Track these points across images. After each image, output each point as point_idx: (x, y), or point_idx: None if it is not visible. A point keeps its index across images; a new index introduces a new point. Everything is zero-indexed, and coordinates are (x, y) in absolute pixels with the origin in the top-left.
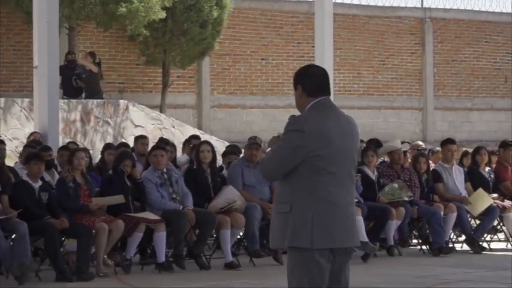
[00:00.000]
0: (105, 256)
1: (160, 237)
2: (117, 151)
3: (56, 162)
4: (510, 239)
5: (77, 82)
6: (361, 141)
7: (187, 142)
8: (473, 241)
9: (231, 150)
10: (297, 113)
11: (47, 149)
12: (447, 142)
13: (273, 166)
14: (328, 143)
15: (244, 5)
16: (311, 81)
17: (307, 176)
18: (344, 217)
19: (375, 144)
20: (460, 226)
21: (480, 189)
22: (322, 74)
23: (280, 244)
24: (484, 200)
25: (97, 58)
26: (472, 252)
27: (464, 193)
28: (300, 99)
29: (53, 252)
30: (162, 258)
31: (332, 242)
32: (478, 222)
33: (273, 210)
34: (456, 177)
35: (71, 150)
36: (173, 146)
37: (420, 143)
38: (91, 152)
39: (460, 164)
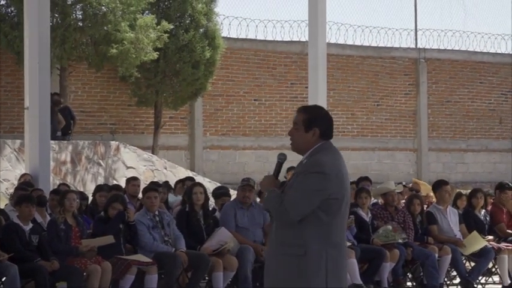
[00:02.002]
0: None
1: (152, 280)
2: (109, 193)
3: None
4: (504, 282)
5: None
6: (352, 182)
7: (179, 182)
8: (469, 284)
9: (224, 192)
10: (291, 154)
11: (38, 190)
12: (442, 184)
13: (304, 208)
14: (342, 185)
15: (237, 46)
16: (326, 124)
17: (322, 219)
18: (345, 259)
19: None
20: (455, 268)
21: (474, 232)
22: (331, 117)
23: (283, 285)
24: (478, 242)
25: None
26: None
27: (458, 235)
28: (311, 140)
29: None
30: None
31: (341, 285)
32: (472, 264)
33: (273, 250)
34: (450, 219)
35: (62, 192)
36: (165, 187)
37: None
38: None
39: (454, 205)
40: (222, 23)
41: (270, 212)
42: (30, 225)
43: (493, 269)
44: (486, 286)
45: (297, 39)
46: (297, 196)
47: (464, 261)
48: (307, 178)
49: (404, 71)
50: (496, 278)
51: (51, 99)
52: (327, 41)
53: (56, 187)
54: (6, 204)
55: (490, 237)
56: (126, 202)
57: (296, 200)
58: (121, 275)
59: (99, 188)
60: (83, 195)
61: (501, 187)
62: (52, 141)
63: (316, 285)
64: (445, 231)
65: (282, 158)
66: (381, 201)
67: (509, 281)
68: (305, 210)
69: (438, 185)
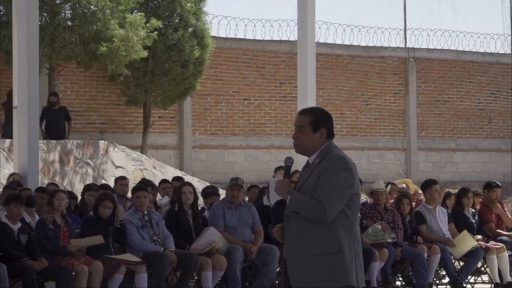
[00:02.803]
0: None
1: (142, 279)
2: (97, 193)
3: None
4: (493, 280)
5: None
6: None
7: (164, 182)
8: (458, 283)
9: (213, 191)
10: (280, 153)
11: (27, 189)
12: (431, 183)
13: (339, 204)
14: (358, 181)
15: (226, 45)
16: (331, 124)
17: (347, 214)
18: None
19: None
20: (444, 268)
21: (465, 231)
22: (331, 116)
23: (319, 285)
24: (468, 241)
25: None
26: None
27: (447, 234)
28: (318, 140)
29: None
30: None
31: (363, 280)
32: (461, 263)
33: (299, 251)
34: (439, 219)
35: (51, 192)
36: (154, 187)
37: (404, 185)
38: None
39: (443, 205)
40: (211, 22)
41: (298, 213)
42: (19, 224)
43: (482, 269)
44: (475, 285)
45: (286, 39)
46: (332, 194)
47: (453, 260)
48: (336, 175)
49: (394, 70)
50: (485, 278)
51: (48, 100)
52: (316, 40)
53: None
54: None
55: (479, 236)
56: (116, 201)
57: (331, 197)
58: (110, 274)
59: (87, 188)
60: (72, 195)
61: (489, 186)
62: (41, 141)
63: (351, 281)
64: (434, 230)
65: (290, 162)
66: (370, 200)
67: (498, 280)
68: (339, 207)
69: (427, 185)
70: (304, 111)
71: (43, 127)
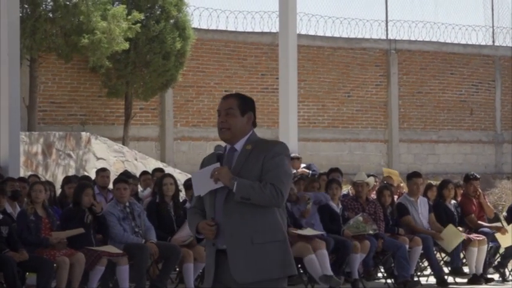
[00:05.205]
0: None
1: (123, 271)
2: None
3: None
4: (470, 272)
5: None
6: (323, 173)
7: (144, 174)
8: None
9: None
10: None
11: (11, 179)
12: (413, 176)
13: (288, 191)
14: None
15: (208, 37)
16: (255, 112)
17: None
18: None
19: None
20: (427, 258)
21: (450, 225)
22: None
23: (275, 274)
24: (456, 235)
25: None
26: (437, 285)
27: (427, 226)
28: (246, 124)
29: (12, 286)
30: None
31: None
32: (443, 255)
33: (244, 240)
34: (421, 211)
35: (30, 184)
36: (136, 179)
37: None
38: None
39: (425, 196)
40: (192, 14)
41: (248, 199)
42: (0, 216)
43: (464, 260)
44: (456, 277)
45: (268, 30)
46: (285, 178)
47: (435, 251)
48: (285, 160)
49: (375, 62)
50: (467, 269)
51: None
52: (298, 32)
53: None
54: None
55: (460, 228)
56: (94, 190)
57: (285, 182)
58: (91, 266)
59: (67, 180)
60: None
61: (467, 179)
62: (22, 133)
63: (294, 270)
64: (415, 223)
65: (222, 149)
66: (351, 192)
67: (474, 272)
68: (287, 193)
69: (409, 177)
70: (230, 95)
71: None
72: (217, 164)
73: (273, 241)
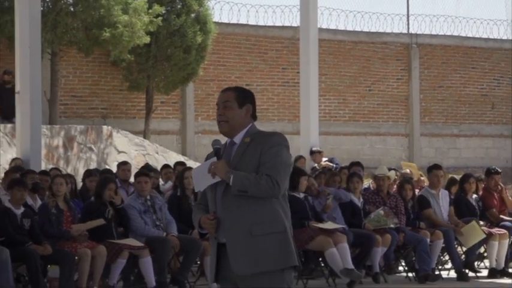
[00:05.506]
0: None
1: (147, 263)
2: (99, 177)
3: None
4: (490, 265)
5: None
6: (344, 167)
7: (166, 167)
8: (469, 266)
9: None
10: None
11: (32, 172)
12: (434, 168)
13: (287, 181)
14: None
15: (229, 30)
16: (255, 104)
17: (284, 193)
18: None
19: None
20: (448, 252)
21: (474, 222)
22: None
23: (275, 266)
24: (477, 233)
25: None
26: (458, 279)
27: (447, 219)
28: (244, 117)
29: (35, 279)
30: (152, 283)
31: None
32: (464, 248)
33: (243, 231)
34: (442, 204)
35: (51, 177)
36: (157, 172)
37: (408, 171)
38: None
39: (447, 190)
40: (213, 8)
41: (246, 192)
42: (22, 209)
43: (485, 254)
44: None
45: (289, 25)
46: (282, 169)
47: (456, 245)
48: (282, 150)
49: (396, 56)
50: (488, 263)
51: (1, 78)
52: (319, 26)
53: None
54: None
55: (482, 222)
56: (117, 184)
57: (282, 172)
58: (113, 259)
59: (88, 173)
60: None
61: (489, 173)
62: (44, 126)
63: (295, 261)
64: (437, 215)
65: (219, 144)
66: (372, 186)
67: (493, 266)
68: (287, 183)
69: (430, 169)
70: (228, 88)
71: None
72: (215, 159)
73: (272, 232)
